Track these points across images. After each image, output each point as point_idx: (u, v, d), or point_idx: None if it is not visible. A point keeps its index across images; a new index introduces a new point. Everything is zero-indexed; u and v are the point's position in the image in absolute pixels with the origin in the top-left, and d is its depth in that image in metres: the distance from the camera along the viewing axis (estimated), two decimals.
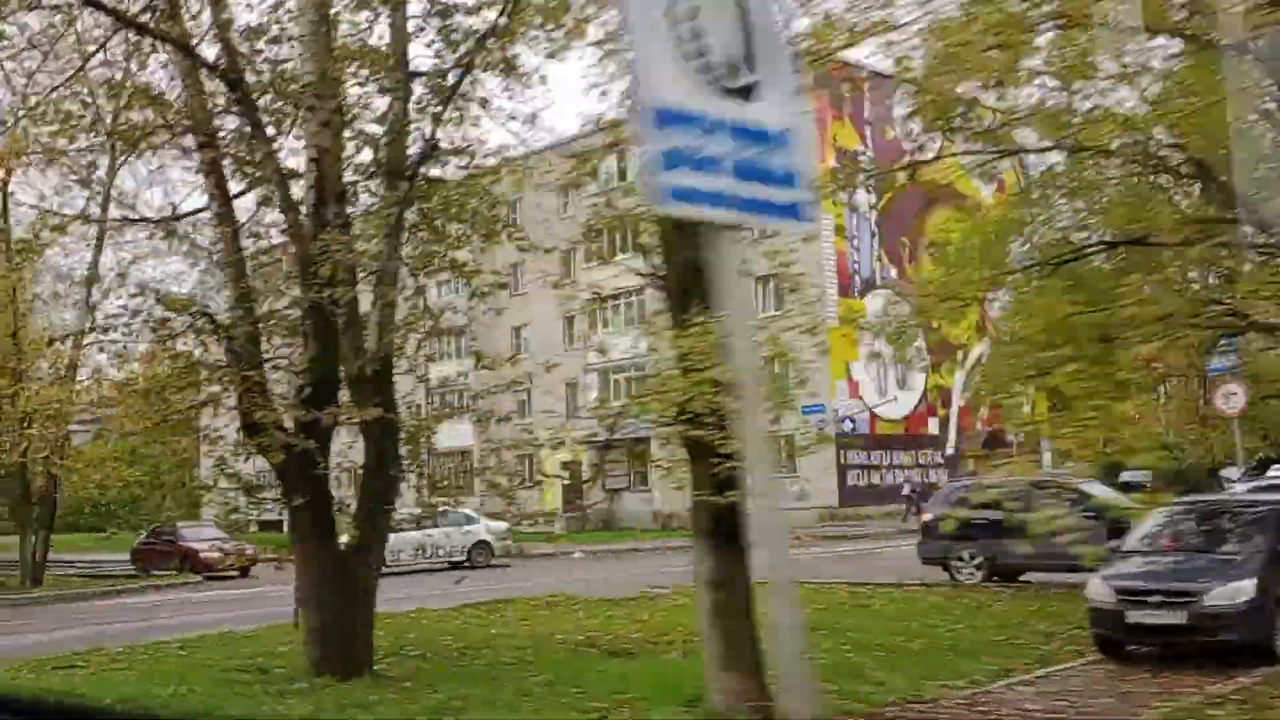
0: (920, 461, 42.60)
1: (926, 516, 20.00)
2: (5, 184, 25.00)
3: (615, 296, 45.39)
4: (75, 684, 11.00)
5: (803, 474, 39.38)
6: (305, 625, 11.24)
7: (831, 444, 38.51)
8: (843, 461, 39.16)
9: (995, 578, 18.06)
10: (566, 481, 47.81)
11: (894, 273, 42.26)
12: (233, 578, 29.57)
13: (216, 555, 30.04)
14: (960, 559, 18.44)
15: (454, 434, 53.77)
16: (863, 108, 41.91)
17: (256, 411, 10.75)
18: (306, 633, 11.06)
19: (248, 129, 11.26)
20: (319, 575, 10.99)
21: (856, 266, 41.07)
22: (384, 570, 24.34)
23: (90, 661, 12.61)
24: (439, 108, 11.11)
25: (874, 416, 41.35)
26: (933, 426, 44.22)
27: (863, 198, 41.63)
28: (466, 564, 28.15)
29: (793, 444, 36.29)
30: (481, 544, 28.58)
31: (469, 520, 29.20)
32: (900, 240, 42.74)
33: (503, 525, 29.21)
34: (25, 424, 25.13)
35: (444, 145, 11.27)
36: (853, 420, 39.74)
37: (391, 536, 25.38)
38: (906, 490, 39.39)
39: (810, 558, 23.76)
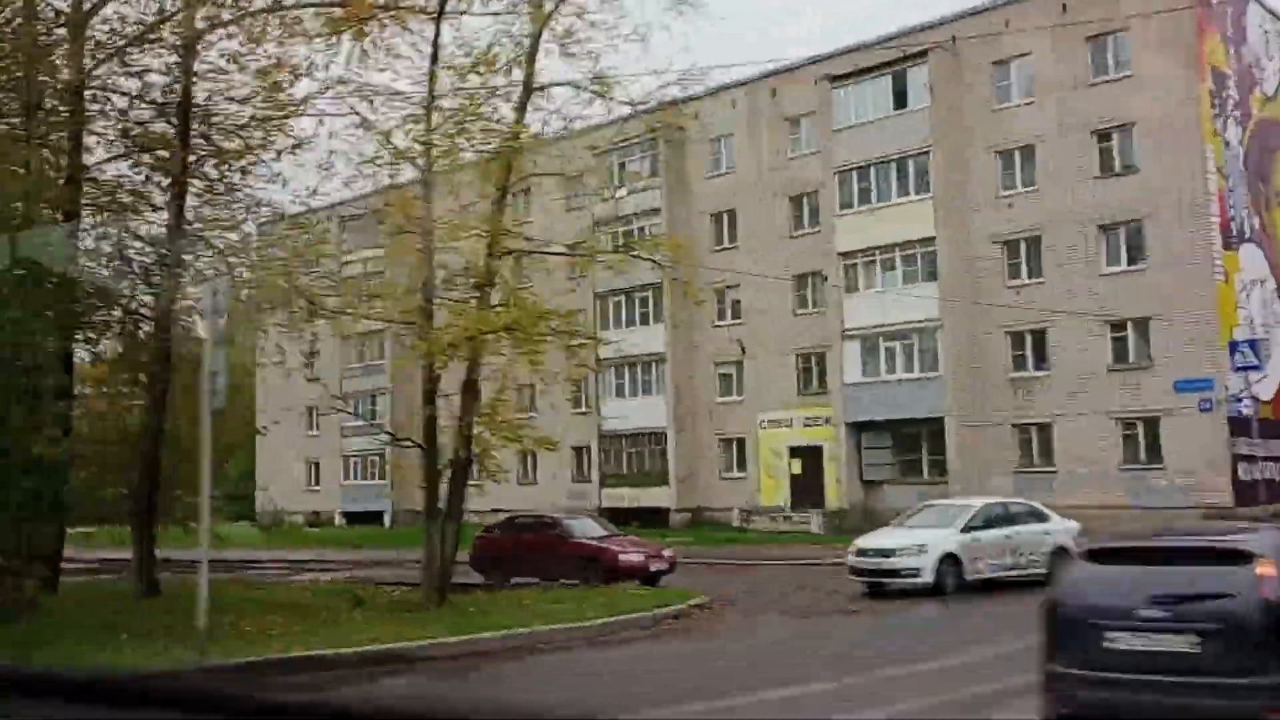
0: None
1: None
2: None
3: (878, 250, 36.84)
4: None
5: (1174, 465, 30.79)
6: None
7: (1214, 427, 30.11)
8: (1234, 450, 30.36)
9: None
10: (796, 472, 39.59)
11: (1257, 223, 33.36)
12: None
13: (639, 559, 21.14)
14: None
15: (640, 412, 46.06)
16: (1225, 21, 33.05)
17: None
18: None
19: None
20: None
21: (1234, 213, 32.19)
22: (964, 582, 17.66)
23: None
24: None
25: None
26: None
27: (1233, 131, 32.98)
28: (1045, 577, 19.09)
29: (1155, 429, 27.64)
30: (1060, 551, 19.38)
31: (1038, 517, 20.37)
32: (1258, 185, 33.88)
33: (1075, 525, 20.36)
34: (435, 369, 16.22)
35: None
36: (1255, 399, 30.86)
37: (968, 539, 17.54)
38: None
39: None
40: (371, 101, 15.48)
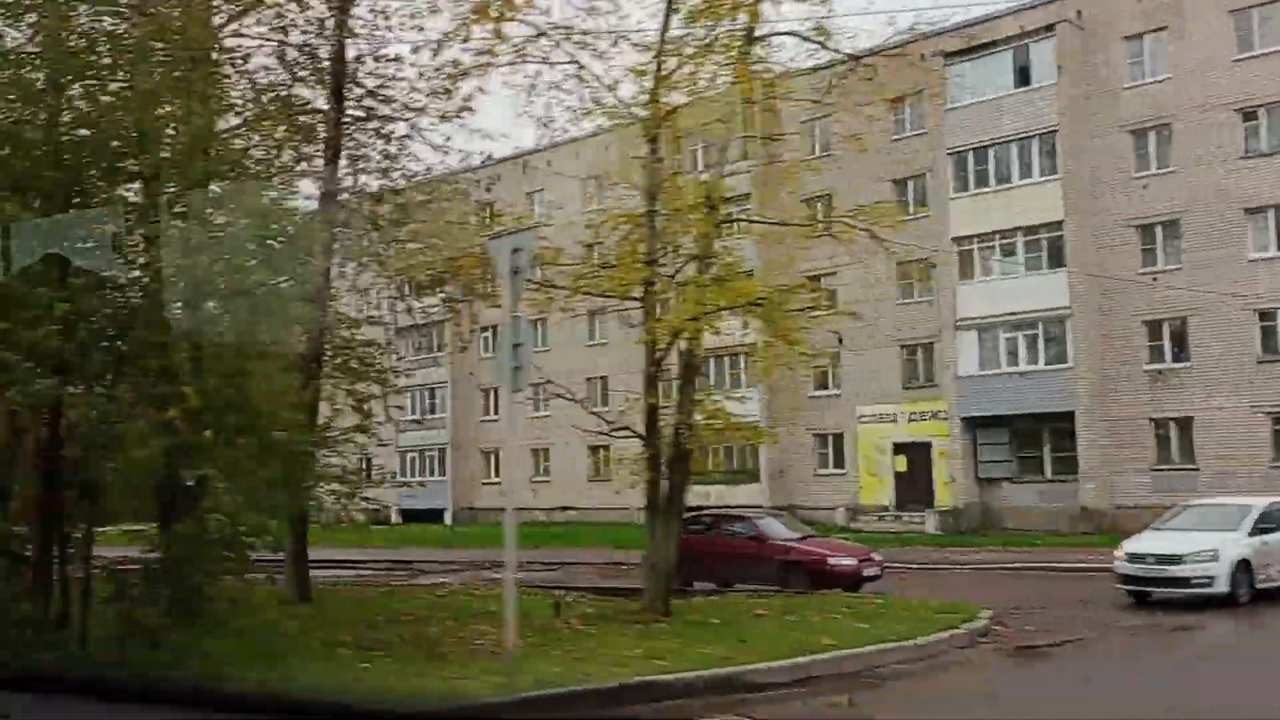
0: None
1: None
2: None
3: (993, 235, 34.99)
4: None
5: None
6: None
7: None
8: None
9: None
10: (901, 469, 37.75)
11: None
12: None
13: (850, 563, 19.09)
14: None
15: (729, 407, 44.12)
16: None
17: None
18: None
19: None
20: None
21: None
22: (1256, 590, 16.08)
23: None
24: None
25: None
26: None
27: None
28: None
29: None
30: None
31: None
32: None
33: None
34: (660, 346, 14.51)
35: None
36: None
37: (1258, 542, 15.70)
38: None
39: None
40: (591, 47, 13.77)
